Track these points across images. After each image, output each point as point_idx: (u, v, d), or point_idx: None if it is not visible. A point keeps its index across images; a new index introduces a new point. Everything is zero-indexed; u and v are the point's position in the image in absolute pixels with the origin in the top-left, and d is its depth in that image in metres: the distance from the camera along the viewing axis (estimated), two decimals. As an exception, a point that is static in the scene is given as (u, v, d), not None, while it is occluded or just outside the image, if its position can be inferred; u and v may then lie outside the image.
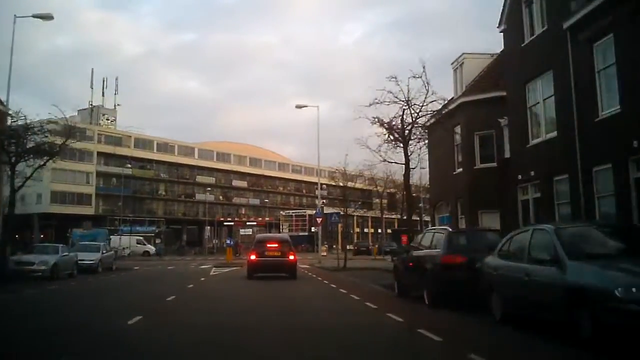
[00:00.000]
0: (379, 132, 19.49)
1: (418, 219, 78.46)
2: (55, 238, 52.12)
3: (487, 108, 20.26)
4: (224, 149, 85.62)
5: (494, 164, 20.44)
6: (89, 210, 65.37)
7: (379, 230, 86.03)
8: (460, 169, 21.90)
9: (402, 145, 18.91)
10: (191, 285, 16.89)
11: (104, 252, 24.35)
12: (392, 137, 18.81)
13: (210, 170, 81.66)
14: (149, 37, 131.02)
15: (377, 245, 55.96)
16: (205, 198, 78.82)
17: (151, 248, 56.00)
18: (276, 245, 19.71)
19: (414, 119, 18.69)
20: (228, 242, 36.56)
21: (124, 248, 52.86)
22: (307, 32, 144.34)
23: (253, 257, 19.23)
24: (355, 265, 28.30)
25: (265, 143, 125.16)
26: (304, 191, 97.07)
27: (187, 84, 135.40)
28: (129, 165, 59.68)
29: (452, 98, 22.06)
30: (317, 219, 33.17)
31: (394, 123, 18.83)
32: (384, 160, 20.35)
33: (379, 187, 71.38)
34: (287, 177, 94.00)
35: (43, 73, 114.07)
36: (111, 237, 57.32)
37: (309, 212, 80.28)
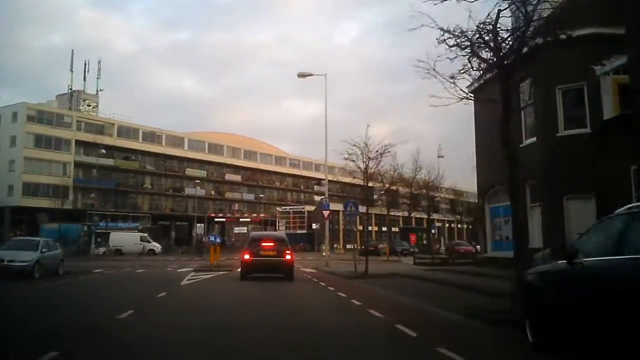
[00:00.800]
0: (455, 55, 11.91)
1: (426, 217, 72.79)
2: (28, 234, 46.12)
3: (575, 52, 14.19)
4: (217, 140, 79.40)
5: (587, 130, 14.43)
6: (65, 204, 58.94)
7: (383, 229, 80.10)
8: (533, 139, 15.83)
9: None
10: (128, 312, 9.32)
11: (44, 250, 18.09)
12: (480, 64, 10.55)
13: (201, 163, 75.43)
14: (143, 35, 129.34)
15: (386, 245, 49.71)
16: (195, 192, 72.58)
17: (156, 246, 49.93)
18: (272, 244, 17.78)
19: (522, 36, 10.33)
20: (212, 238, 30.07)
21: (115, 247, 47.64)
22: (303, 31, 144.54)
23: (247, 256, 17.22)
24: (374, 269, 22.24)
25: (261, 137, 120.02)
26: (302, 187, 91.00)
27: (183, 83, 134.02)
28: (103, 151, 53.29)
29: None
30: (324, 212, 27.09)
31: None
32: (466, 97, 11.13)
33: (384, 182, 65.24)
34: (284, 171, 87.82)
35: (40, 70, 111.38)
36: (111, 233, 51.87)
37: (307, 208, 74.28)
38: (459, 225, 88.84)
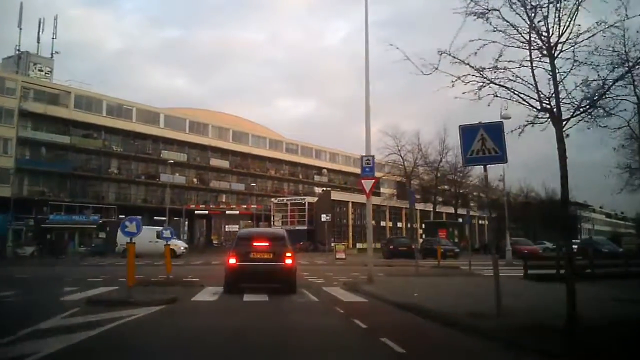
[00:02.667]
0: None
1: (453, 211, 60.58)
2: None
3: None
4: (200, 118, 66.71)
5: None
6: (4, 191, 46.29)
7: (398, 224, 67.86)
8: None
9: None
10: None
11: None
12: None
13: (181, 145, 62.72)
14: (132, 34, 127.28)
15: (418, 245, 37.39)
16: (173, 180, 60.15)
17: (180, 244, 37.70)
18: (266, 243, 12.63)
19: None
20: (165, 233, 17.29)
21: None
22: (293, 30, 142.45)
23: (232, 260, 12.32)
24: (484, 294, 9.88)
25: (253, 117, 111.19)
26: (301, 176, 78.57)
27: (174, 81, 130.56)
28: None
29: None
30: (365, 180, 14.75)
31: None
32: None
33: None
34: (280, 157, 75.29)
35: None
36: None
37: (308, 199, 61.90)
38: (486, 222, 76.72)
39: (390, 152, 50.01)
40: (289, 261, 12.47)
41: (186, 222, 62.03)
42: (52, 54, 56.74)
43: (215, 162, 66.41)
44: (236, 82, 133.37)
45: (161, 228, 40.27)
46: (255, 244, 12.58)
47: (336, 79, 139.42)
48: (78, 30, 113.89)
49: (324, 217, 35.13)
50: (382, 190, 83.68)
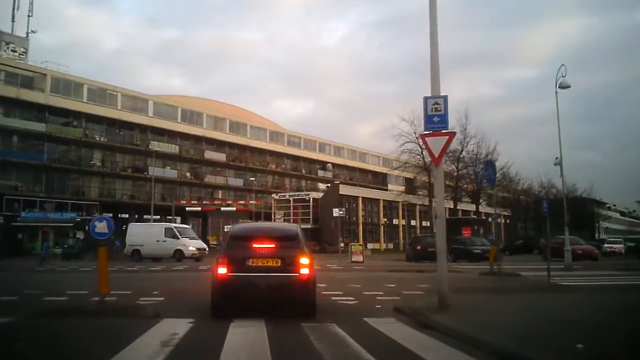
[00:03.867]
0: None
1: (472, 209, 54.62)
2: None
3: None
4: (193, 106, 60.77)
5: None
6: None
7: (412, 222, 61.86)
8: None
9: None
10: None
11: None
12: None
13: (173, 135, 56.74)
14: (130, 33, 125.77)
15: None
16: (163, 174, 54.33)
17: (193, 244, 31.76)
18: (272, 245, 8.33)
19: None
20: (96, 225, 11.16)
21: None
22: (291, 31, 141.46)
23: (222, 270, 8.13)
24: None
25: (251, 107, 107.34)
26: (304, 171, 72.60)
27: (172, 81, 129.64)
28: None
29: None
30: (433, 137, 8.82)
31: None
32: None
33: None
34: (281, 150, 69.33)
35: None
36: (130, 225, 36.84)
37: (313, 195, 55.96)
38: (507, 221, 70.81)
39: (406, 139, 44.23)
40: (305, 271, 8.14)
41: (178, 221, 56.13)
42: (27, 33, 50.95)
43: (210, 154, 60.46)
44: (234, 82, 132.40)
45: (173, 225, 34.34)
46: (255, 245, 8.28)
47: (334, 79, 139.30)
48: (74, 30, 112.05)
49: (336, 212, 29.29)
50: (389, 186, 78.02)
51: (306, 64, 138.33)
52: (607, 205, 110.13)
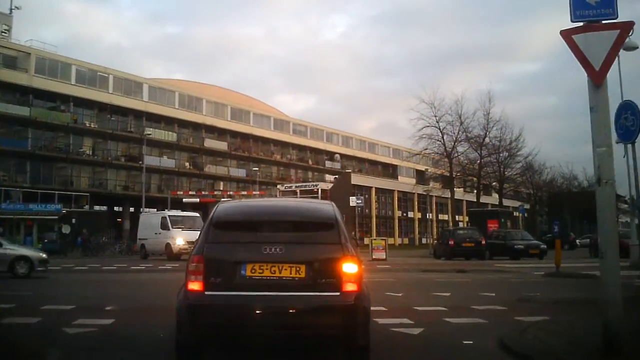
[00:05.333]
0: None
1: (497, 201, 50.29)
2: None
3: None
4: (192, 91, 56.62)
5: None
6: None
7: (428, 215, 57.62)
8: None
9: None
10: None
11: None
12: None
13: (170, 122, 52.63)
14: (130, 29, 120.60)
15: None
16: (159, 164, 50.32)
17: (192, 238, 25.65)
18: (287, 239, 4.49)
19: None
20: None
21: None
22: (291, 25, 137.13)
23: (196, 285, 4.36)
24: None
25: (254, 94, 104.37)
26: (310, 162, 68.41)
27: (173, 76, 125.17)
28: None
29: None
30: (588, 33, 4.54)
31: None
32: None
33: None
34: (286, 139, 65.14)
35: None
36: (142, 215, 33.06)
37: (322, 185, 51.81)
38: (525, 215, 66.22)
39: (425, 124, 39.99)
40: (350, 286, 4.44)
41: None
42: (11, 9, 46.73)
43: (210, 143, 56.32)
44: (235, 77, 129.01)
45: (168, 213, 28.75)
46: (257, 240, 4.58)
47: (337, 75, 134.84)
48: (75, 25, 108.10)
49: (353, 201, 25.62)
50: (400, 178, 73.77)
51: (308, 59, 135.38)
52: (623, 197, 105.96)
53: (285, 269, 4.39)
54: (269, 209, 5.47)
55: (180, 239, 25.05)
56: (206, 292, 4.36)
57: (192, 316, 4.37)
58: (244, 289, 4.35)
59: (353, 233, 38.02)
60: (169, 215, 28.21)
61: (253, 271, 4.39)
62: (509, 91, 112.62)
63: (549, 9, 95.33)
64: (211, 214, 4.97)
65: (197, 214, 28.62)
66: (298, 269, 4.39)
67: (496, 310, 8.62)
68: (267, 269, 4.38)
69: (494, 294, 11.02)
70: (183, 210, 33.30)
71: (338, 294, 4.36)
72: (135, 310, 8.43)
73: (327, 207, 5.18)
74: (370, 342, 4.63)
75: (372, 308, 4.72)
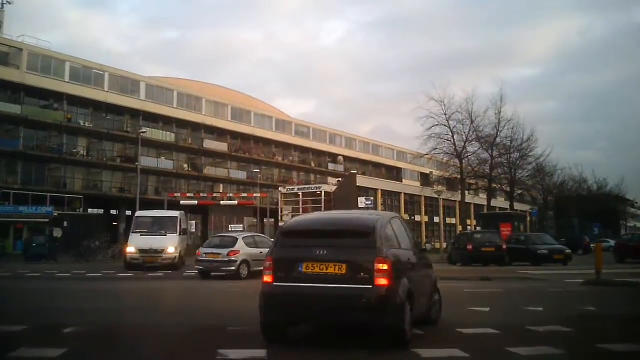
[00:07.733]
0: None
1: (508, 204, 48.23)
2: None
3: None
4: (192, 90, 54.87)
5: None
6: None
7: (435, 219, 55.70)
8: None
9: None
10: None
11: None
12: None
13: (168, 122, 50.84)
14: (129, 34, 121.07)
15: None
16: (157, 165, 48.57)
17: (146, 245, 21.35)
18: (332, 244, 6.14)
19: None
20: None
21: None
22: (289, 31, 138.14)
23: (268, 278, 6.24)
24: None
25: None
26: (313, 164, 66.56)
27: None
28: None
29: None
30: None
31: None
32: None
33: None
34: (288, 141, 63.32)
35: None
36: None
37: (325, 188, 49.98)
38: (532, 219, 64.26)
39: (435, 122, 38.16)
40: (382, 281, 5.78)
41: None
42: (2, 4, 45.10)
43: (210, 144, 54.48)
44: (235, 82, 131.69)
45: (141, 213, 24.89)
46: (309, 244, 6.11)
47: (336, 79, 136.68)
48: (74, 31, 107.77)
49: (362, 203, 23.73)
50: (404, 181, 71.90)
51: (306, 64, 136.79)
52: (632, 202, 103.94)
53: (331, 267, 5.80)
54: (322, 221, 6.97)
55: (131, 247, 20.98)
56: (274, 284, 5.97)
57: (265, 301, 5.98)
58: (300, 281, 5.85)
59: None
60: (137, 216, 24.26)
61: (307, 268, 5.85)
62: (508, 95, 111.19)
63: (548, 14, 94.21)
64: (280, 226, 7.65)
65: (177, 214, 24.05)
66: (340, 267, 5.77)
67: (562, 332, 6.77)
68: (317, 266, 5.83)
69: (541, 309, 9.20)
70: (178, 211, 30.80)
71: (371, 286, 5.66)
72: (98, 336, 6.57)
73: (372, 218, 6.56)
74: (405, 326, 5.75)
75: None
